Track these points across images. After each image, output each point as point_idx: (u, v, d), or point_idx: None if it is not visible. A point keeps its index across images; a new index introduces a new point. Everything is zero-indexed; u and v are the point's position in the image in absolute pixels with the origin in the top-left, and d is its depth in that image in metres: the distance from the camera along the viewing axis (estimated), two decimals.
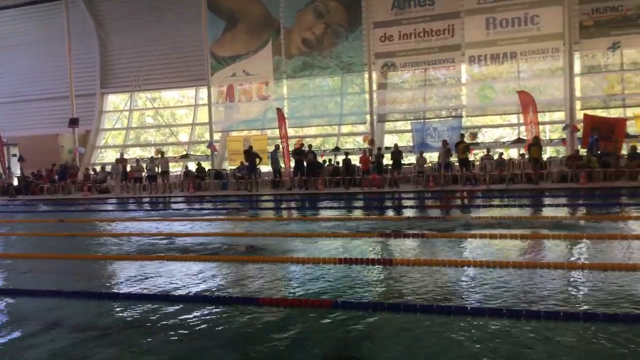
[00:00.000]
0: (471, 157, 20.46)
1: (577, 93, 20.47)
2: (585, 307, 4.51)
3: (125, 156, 24.55)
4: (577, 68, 20.44)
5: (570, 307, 4.52)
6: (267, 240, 8.50)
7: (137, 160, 22.73)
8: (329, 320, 4.45)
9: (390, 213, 12.82)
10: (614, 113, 20.25)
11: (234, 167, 22.84)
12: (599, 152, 17.86)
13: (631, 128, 19.41)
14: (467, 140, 21.34)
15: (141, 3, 26.28)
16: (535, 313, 4.35)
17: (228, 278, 6.25)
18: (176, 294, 5.44)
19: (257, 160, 20.55)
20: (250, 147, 20.95)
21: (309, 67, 23.66)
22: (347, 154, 20.70)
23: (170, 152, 27.17)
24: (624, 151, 18.47)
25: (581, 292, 5.07)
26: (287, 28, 23.81)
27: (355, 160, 21.15)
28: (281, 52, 23.92)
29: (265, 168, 22.39)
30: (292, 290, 5.49)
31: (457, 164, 19.03)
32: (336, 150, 23.23)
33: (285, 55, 23.89)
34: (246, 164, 20.71)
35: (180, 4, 25.68)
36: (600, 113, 19.63)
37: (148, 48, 26.41)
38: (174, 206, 16.76)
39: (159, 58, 26.28)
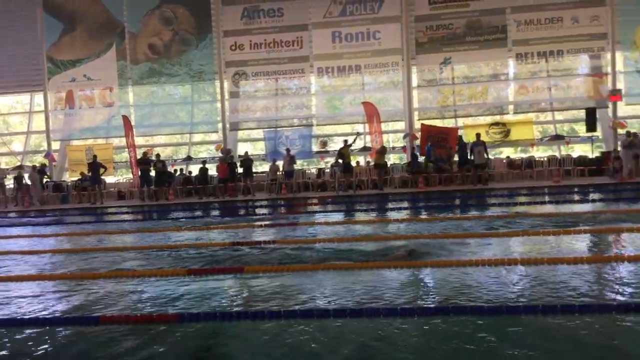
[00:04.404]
0: (322, 165, 21.32)
1: (415, 104, 22.02)
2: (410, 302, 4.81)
3: None
4: (414, 81, 21.99)
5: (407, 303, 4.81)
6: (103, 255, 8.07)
7: None
8: (177, 334, 4.36)
9: (241, 221, 12.74)
10: (448, 123, 22.02)
11: (75, 179, 21.38)
12: (434, 159, 19.27)
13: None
14: (317, 148, 22.12)
15: None
16: (376, 311, 4.58)
17: (72, 297, 5.82)
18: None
19: (102, 170, 19.43)
20: (95, 157, 19.70)
21: (157, 74, 22.91)
22: (204, 162, 20.28)
23: (2, 163, 24.71)
24: (456, 158, 20.11)
25: (421, 289, 5.44)
26: (132, 33, 22.86)
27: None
28: (126, 57, 22.88)
29: (110, 179, 21.26)
30: (136, 306, 5.27)
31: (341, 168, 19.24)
32: (188, 159, 22.72)
33: (131, 60, 22.89)
34: (88, 174, 19.46)
35: (14, 4, 23.52)
36: (436, 123, 21.21)
37: None
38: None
39: None
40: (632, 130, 18.59)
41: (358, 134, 19.55)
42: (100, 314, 4.97)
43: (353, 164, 20.14)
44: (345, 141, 18.78)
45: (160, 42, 22.76)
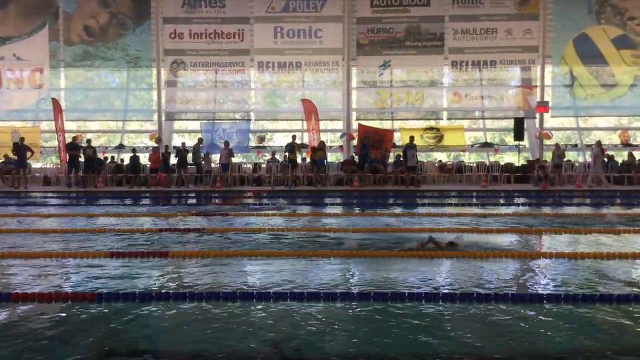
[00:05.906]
0: (259, 160, 21.35)
1: (354, 105, 22.31)
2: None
3: None
4: (354, 82, 22.29)
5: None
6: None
7: None
8: (94, 313, 4.31)
9: (170, 211, 12.54)
10: (385, 125, 22.44)
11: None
12: (370, 159, 19.57)
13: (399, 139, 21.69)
14: (255, 143, 22.05)
15: None
16: (282, 294, 4.69)
17: None
18: None
19: (29, 154, 18.60)
20: (22, 139, 18.84)
21: (92, 56, 22.16)
22: (134, 150, 19.82)
23: None
24: (391, 159, 20.53)
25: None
26: (67, 13, 22.02)
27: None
28: (59, 37, 22.01)
29: (37, 164, 20.45)
30: (53, 285, 5.17)
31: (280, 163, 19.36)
32: (120, 147, 22.11)
33: (64, 41, 22.03)
34: (13, 157, 18.60)
35: None
36: (373, 124, 21.54)
37: None
38: None
39: None
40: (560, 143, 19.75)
41: (261, 134, 19.96)
42: (14, 291, 4.82)
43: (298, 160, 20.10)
44: (294, 136, 18.92)
45: (97, 24, 22.01)
